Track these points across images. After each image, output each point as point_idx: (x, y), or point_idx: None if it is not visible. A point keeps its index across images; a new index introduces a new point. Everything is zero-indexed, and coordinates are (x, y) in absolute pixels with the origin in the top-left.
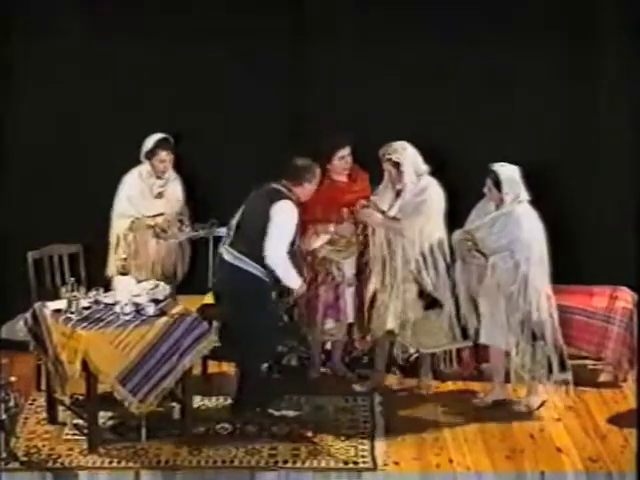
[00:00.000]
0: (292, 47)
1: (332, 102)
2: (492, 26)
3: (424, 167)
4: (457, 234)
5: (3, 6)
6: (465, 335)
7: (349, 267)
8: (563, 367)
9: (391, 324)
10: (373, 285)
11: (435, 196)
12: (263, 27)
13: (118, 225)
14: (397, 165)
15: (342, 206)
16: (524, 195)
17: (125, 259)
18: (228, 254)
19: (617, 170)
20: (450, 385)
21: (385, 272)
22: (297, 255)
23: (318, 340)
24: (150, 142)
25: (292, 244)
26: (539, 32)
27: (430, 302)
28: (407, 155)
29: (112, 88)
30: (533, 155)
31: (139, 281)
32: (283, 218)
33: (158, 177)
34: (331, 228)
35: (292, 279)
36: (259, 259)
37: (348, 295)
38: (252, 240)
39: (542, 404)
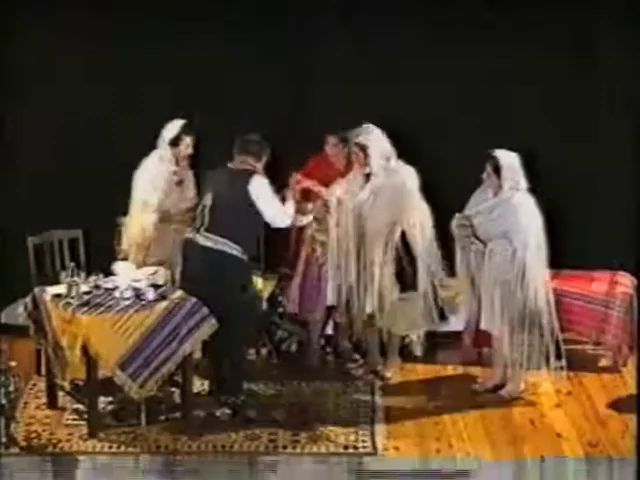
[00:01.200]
0: (292, 46)
1: (332, 102)
2: (492, 25)
3: (391, 150)
4: (456, 220)
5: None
6: (443, 317)
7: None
8: (558, 355)
9: (370, 308)
10: (352, 271)
11: (410, 178)
12: (264, 27)
13: (141, 215)
14: (364, 148)
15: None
16: (523, 183)
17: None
18: (206, 239)
19: (617, 158)
20: (450, 370)
21: (360, 257)
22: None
23: (304, 319)
24: (175, 128)
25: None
26: (539, 31)
27: (406, 284)
28: (373, 138)
29: (112, 85)
30: (534, 146)
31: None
32: (265, 189)
33: (177, 163)
34: (309, 206)
35: (286, 217)
36: (239, 240)
37: (330, 277)
38: (231, 223)
39: (521, 392)
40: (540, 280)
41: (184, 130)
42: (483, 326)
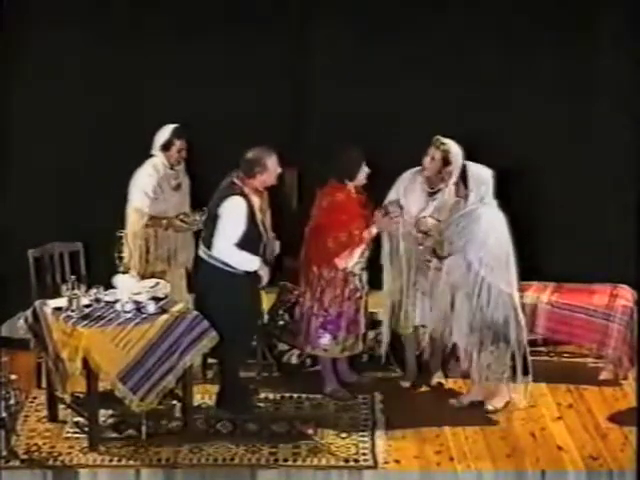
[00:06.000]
0: (292, 48)
1: (331, 103)
2: (488, 27)
3: None
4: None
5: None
6: None
7: (365, 276)
8: (526, 370)
9: (420, 320)
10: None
11: None
12: (264, 28)
13: (136, 221)
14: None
15: (366, 218)
16: (490, 197)
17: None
18: (200, 250)
19: (617, 169)
20: (451, 383)
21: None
22: (267, 246)
23: (335, 355)
24: (166, 133)
25: (257, 236)
26: (535, 32)
27: None
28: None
29: (113, 87)
30: (534, 154)
31: (142, 278)
32: (228, 213)
33: (172, 168)
34: (374, 231)
35: (246, 264)
36: None
37: (363, 306)
38: (211, 235)
39: (506, 404)
40: (502, 292)
41: (175, 134)
42: (453, 339)
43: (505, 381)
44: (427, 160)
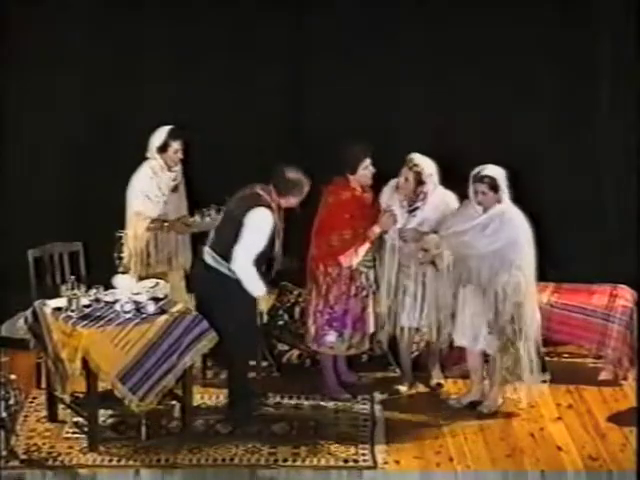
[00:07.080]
0: (292, 52)
1: (330, 106)
2: (487, 31)
3: None
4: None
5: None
6: None
7: (372, 275)
8: (543, 368)
9: (409, 322)
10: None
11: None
12: (264, 30)
13: (137, 224)
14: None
15: (371, 217)
16: (507, 194)
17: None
18: (207, 255)
19: (617, 169)
20: (450, 383)
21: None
22: (274, 262)
23: (341, 354)
24: (161, 135)
25: (269, 252)
26: (535, 35)
27: None
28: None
29: (112, 87)
30: (534, 154)
31: (141, 279)
32: (255, 225)
33: (169, 170)
34: (377, 230)
35: (254, 287)
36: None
37: (370, 305)
38: (228, 243)
39: (499, 407)
40: (530, 292)
41: (171, 135)
42: (458, 342)
43: (522, 380)
44: (401, 181)
